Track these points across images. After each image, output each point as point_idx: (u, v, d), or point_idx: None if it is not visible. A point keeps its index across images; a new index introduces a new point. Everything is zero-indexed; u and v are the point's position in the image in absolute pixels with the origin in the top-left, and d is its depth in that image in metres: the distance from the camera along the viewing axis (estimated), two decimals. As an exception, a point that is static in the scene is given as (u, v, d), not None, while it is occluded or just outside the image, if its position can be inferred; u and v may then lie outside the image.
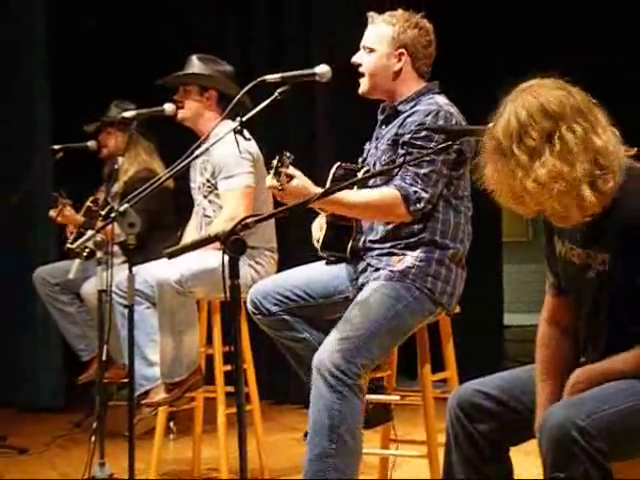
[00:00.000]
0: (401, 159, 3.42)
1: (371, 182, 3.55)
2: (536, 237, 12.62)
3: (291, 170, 3.29)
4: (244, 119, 3.36)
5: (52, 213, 5.47)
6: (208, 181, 4.45)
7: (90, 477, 3.89)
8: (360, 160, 3.79)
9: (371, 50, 3.63)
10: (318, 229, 3.74)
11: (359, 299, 3.47)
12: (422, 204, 3.43)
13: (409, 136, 3.48)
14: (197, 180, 4.55)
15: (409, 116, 3.53)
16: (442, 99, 3.58)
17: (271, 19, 6.58)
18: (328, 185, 3.63)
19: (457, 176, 3.53)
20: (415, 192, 3.42)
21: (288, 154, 3.27)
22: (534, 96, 2.44)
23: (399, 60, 3.61)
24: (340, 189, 3.08)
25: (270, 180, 3.27)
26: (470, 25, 6.56)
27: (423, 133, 3.45)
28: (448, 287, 3.54)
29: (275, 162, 3.25)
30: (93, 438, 3.91)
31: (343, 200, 3.41)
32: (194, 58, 4.54)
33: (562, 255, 2.62)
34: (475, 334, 6.42)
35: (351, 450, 3.33)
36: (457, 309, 3.72)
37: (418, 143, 3.45)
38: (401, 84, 3.63)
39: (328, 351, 3.33)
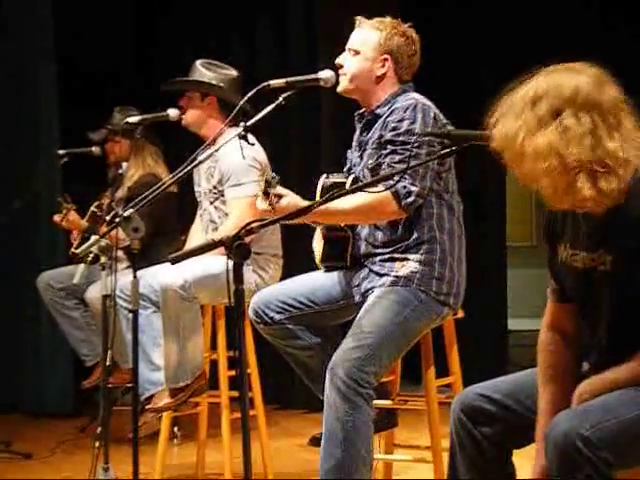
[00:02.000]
0: (386, 159, 3.45)
1: None
2: (540, 242, 12.61)
3: (279, 190, 3.31)
4: (248, 124, 3.37)
5: (56, 218, 5.47)
6: (215, 188, 4.45)
7: (94, 482, 3.90)
8: (345, 170, 3.80)
9: (356, 52, 3.64)
10: (319, 241, 3.76)
11: (367, 307, 3.48)
12: (412, 197, 3.42)
13: (390, 134, 3.49)
14: (202, 185, 4.56)
15: (389, 116, 3.54)
16: (417, 95, 3.59)
17: (275, 26, 6.59)
18: (318, 197, 3.64)
19: (444, 170, 3.55)
20: (404, 187, 3.42)
21: (274, 175, 3.30)
22: (560, 75, 2.48)
23: (382, 66, 3.62)
24: (332, 199, 3.04)
25: (260, 203, 3.29)
26: (453, 32, 6.56)
27: (403, 129, 3.46)
28: (453, 288, 3.55)
29: (263, 185, 3.28)
30: (97, 443, 3.91)
31: (334, 209, 3.40)
32: (198, 64, 4.55)
33: (564, 261, 2.61)
34: (479, 339, 6.43)
35: (364, 459, 3.35)
36: (461, 314, 3.73)
37: (400, 139, 3.46)
38: (380, 89, 3.63)
39: (340, 361, 3.34)
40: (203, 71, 4.52)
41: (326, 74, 3.54)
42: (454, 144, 2.93)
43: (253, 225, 2.72)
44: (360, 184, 3.50)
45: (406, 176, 3.42)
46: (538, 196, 2.51)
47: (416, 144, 3.39)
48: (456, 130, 3.38)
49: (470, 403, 2.66)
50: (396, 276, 3.50)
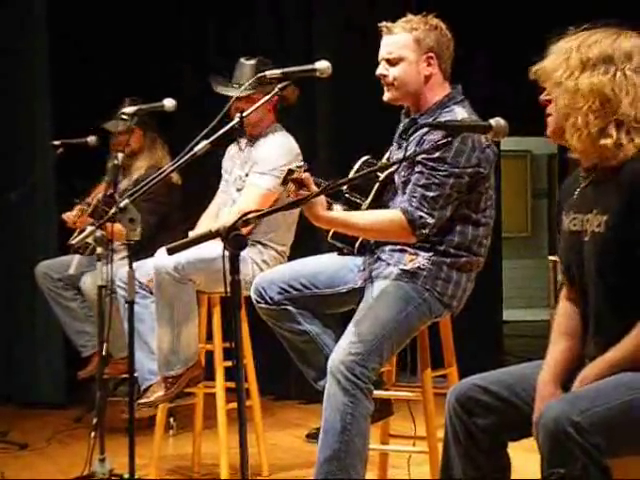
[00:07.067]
0: (413, 177, 3.44)
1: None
2: (535, 232, 12.63)
3: (300, 175, 3.33)
4: (244, 115, 3.38)
5: (69, 217, 5.34)
6: (246, 175, 4.45)
7: (90, 473, 3.91)
8: (385, 158, 3.78)
9: (397, 60, 3.54)
10: None
11: (370, 300, 3.49)
12: (427, 230, 3.42)
13: (423, 156, 3.43)
14: (234, 172, 4.55)
15: (427, 133, 3.48)
16: (461, 111, 3.53)
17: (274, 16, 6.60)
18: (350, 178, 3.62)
19: (476, 195, 3.52)
20: (420, 217, 3.41)
21: (301, 164, 3.34)
22: (613, 33, 2.55)
23: (429, 64, 3.54)
24: (350, 180, 3.04)
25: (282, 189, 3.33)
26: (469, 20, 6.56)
27: (436, 155, 3.40)
28: (458, 291, 3.56)
29: (285, 171, 3.33)
30: (93, 434, 3.92)
31: (349, 222, 3.45)
32: (246, 62, 4.40)
33: (566, 229, 2.64)
34: (474, 329, 6.43)
35: (359, 451, 3.38)
36: (458, 305, 3.73)
37: (430, 164, 3.42)
38: (429, 89, 3.56)
39: (342, 354, 3.36)
40: (257, 69, 4.24)
41: (322, 65, 3.51)
42: (449, 135, 2.94)
43: (249, 216, 2.71)
44: (370, 168, 3.55)
45: (425, 204, 3.41)
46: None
47: (444, 173, 3.38)
48: (453, 122, 3.39)
49: (465, 394, 2.66)
50: (403, 270, 3.50)
